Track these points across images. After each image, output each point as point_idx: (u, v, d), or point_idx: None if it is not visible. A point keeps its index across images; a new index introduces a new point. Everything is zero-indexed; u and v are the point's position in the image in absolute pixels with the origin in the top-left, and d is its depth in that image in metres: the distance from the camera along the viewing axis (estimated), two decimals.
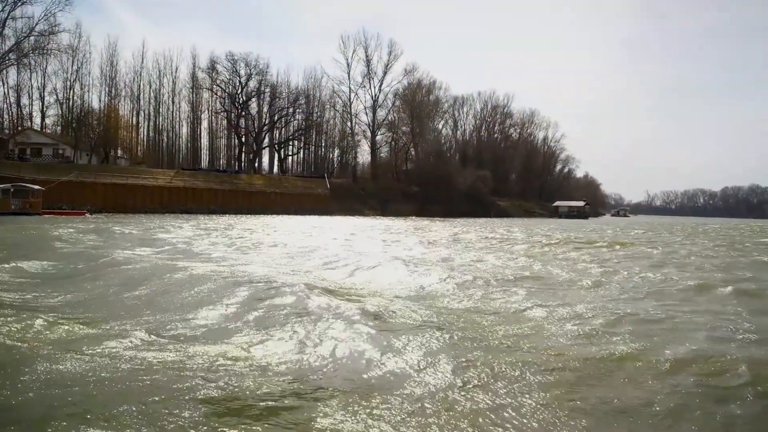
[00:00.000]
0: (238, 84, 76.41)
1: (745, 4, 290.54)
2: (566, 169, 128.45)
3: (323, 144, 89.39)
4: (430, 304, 6.57)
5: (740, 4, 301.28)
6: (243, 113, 78.13)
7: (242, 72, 75.78)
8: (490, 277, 8.70)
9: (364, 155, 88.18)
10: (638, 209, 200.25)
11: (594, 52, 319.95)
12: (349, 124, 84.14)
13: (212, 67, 75.68)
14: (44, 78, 64.08)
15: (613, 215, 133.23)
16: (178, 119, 79.51)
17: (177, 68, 77.56)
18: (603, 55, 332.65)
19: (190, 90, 78.06)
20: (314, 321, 5.21)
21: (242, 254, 12.71)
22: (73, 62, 64.65)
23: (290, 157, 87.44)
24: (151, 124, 76.97)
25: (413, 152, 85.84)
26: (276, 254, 13.03)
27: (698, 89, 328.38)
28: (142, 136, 76.49)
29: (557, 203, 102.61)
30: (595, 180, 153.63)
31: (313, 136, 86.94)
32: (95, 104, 68.00)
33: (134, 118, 73.23)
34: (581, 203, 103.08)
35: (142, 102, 74.57)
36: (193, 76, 77.54)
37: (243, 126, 78.91)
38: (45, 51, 60.21)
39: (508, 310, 6.22)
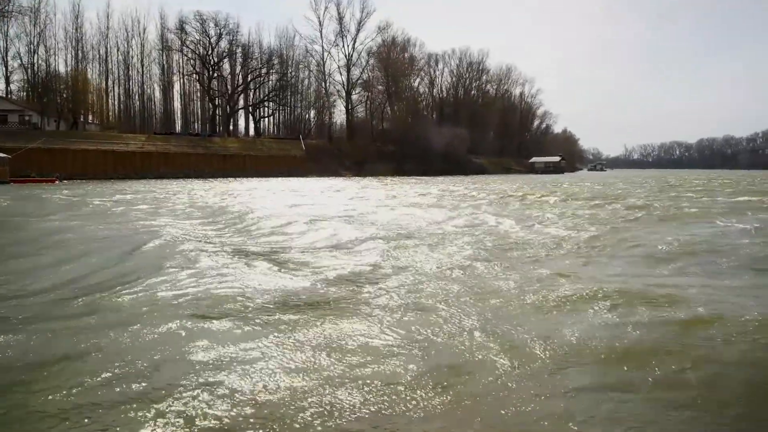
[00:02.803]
0: (208, 45, 75.00)
1: None
2: (544, 125, 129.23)
3: (299, 105, 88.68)
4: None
5: None
6: (215, 75, 76.97)
7: (212, 32, 74.40)
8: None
9: (340, 116, 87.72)
10: (616, 163, 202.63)
11: (568, 6, 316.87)
12: (323, 84, 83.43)
13: (181, 28, 74.03)
14: (6, 42, 62.09)
15: (590, 170, 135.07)
16: (149, 82, 78.13)
17: (145, 29, 75.72)
18: (577, 10, 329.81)
19: (160, 52, 76.42)
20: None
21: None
22: (35, 24, 62.78)
23: (265, 119, 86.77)
24: (122, 88, 75.55)
25: (389, 111, 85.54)
26: None
27: (673, 44, 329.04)
28: (112, 100, 75.25)
29: (533, 159, 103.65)
30: (573, 135, 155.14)
31: (288, 97, 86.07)
32: (61, 68, 66.37)
33: (104, 83, 71.81)
34: (557, 158, 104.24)
35: (110, 65, 72.99)
36: (162, 38, 75.82)
37: (216, 88, 77.85)
38: (4, 13, 58.33)
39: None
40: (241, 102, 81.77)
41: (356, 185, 35.63)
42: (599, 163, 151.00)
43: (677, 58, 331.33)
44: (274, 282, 5.31)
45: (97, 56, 71.10)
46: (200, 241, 8.15)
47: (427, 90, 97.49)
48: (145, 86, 77.53)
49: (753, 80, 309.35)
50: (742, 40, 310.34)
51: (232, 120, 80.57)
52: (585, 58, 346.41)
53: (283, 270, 5.95)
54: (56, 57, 65.90)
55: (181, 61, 78.25)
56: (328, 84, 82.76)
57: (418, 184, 37.36)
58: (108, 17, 71.61)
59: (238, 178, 51.99)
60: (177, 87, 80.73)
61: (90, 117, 68.20)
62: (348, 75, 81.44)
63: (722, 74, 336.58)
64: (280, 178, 52.55)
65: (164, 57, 76.65)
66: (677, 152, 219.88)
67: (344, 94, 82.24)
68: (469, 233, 8.91)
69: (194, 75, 77.69)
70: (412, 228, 9.60)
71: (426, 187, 30.18)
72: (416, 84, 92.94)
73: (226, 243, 8.03)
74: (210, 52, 75.02)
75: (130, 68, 75.14)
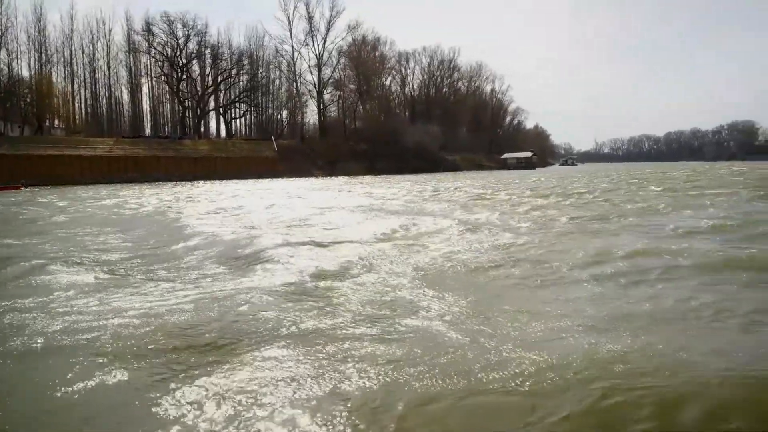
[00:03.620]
0: (176, 46, 74.31)
1: None
2: (516, 121, 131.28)
3: (270, 105, 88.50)
4: None
5: None
6: (184, 76, 76.31)
7: (180, 33, 73.72)
8: None
9: (312, 116, 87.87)
10: (586, 157, 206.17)
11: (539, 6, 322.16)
12: (294, 84, 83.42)
13: (148, 29, 73.25)
14: None
15: (561, 164, 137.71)
16: (116, 85, 77.16)
17: (111, 31, 74.76)
18: (549, 10, 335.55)
19: (127, 54, 75.50)
20: None
21: None
22: None
23: (237, 121, 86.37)
24: (88, 91, 74.45)
25: (361, 110, 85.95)
26: None
27: (643, 42, 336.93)
28: (79, 104, 74.10)
29: (505, 155, 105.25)
30: (545, 131, 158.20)
31: (260, 98, 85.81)
32: (24, 72, 65.15)
33: (69, 86, 70.67)
34: (529, 154, 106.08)
35: (75, 68, 71.90)
36: (129, 39, 74.94)
37: (185, 89, 77.21)
38: None
39: None
40: (212, 103, 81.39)
41: (321, 185, 35.94)
42: (570, 158, 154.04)
43: (659, 54, 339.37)
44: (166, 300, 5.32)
45: (62, 59, 70.09)
46: (104, 258, 8.47)
47: (399, 88, 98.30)
48: (113, 89, 76.70)
49: (729, 73, 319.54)
50: (721, 32, 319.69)
51: (203, 122, 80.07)
52: (561, 55, 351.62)
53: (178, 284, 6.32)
54: (19, 60, 64.69)
55: (149, 62, 77.54)
56: (299, 84, 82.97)
57: (384, 183, 37.80)
58: (72, 19, 70.65)
59: (207, 181, 51.72)
60: (145, 89, 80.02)
61: (56, 121, 67.14)
62: (319, 74, 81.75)
63: (701, 68, 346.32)
64: (251, 180, 52.44)
65: (131, 59, 75.85)
66: (646, 145, 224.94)
67: (315, 93, 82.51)
68: (399, 237, 9.40)
69: (163, 77, 76.98)
70: (348, 233, 10.06)
71: (389, 187, 30.65)
72: (388, 82, 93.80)
73: (135, 257, 8.34)
74: (178, 53, 74.41)
75: (97, 71, 74.29)
